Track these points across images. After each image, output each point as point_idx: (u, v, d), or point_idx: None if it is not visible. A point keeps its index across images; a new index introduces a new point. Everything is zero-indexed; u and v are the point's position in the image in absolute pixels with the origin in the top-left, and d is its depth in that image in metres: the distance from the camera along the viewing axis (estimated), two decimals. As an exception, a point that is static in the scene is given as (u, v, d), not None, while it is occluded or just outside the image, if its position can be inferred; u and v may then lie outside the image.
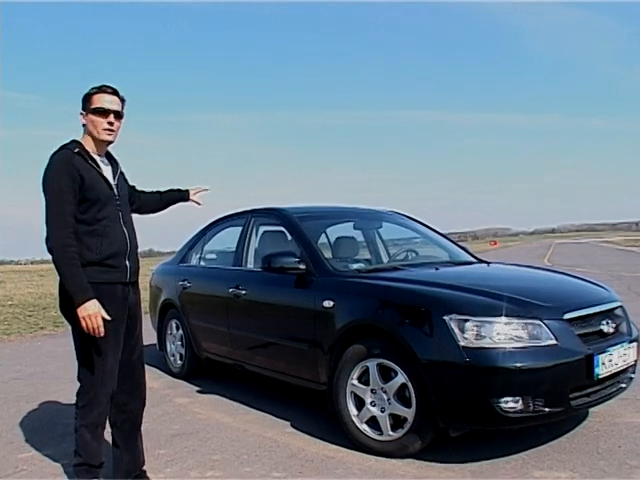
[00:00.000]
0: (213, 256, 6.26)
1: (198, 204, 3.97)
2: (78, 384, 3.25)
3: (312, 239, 4.80)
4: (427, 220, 6.07)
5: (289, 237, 5.06)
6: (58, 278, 3.14)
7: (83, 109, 3.21)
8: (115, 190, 3.26)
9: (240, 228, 5.61)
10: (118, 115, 3.23)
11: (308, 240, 4.74)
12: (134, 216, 3.55)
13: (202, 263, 6.25)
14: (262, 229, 5.55)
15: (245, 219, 5.62)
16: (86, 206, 3.11)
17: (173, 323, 6.35)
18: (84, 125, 3.23)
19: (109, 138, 3.24)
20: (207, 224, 6.36)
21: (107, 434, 3.32)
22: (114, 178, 3.30)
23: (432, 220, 6.06)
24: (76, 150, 3.13)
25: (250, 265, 5.34)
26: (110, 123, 3.18)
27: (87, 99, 3.20)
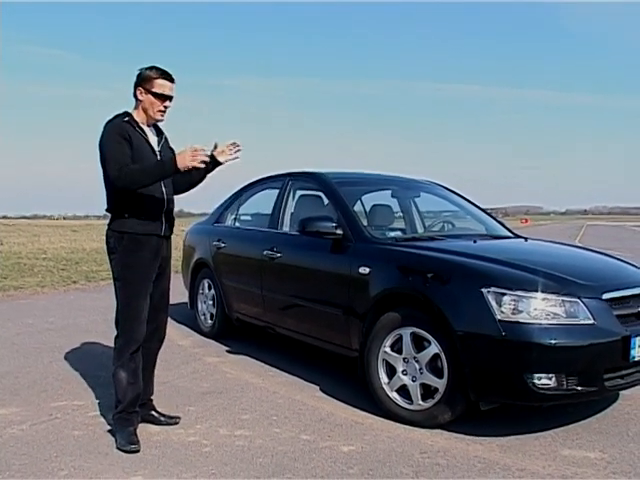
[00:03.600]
0: (248, 218, 6.27)
1: (236, 158, 3.75)
2: (108, 338, 3.47)
3: (350, 205, 4.79)
4: (458, 193, 6.02)
5: (326, 202, 5.04)
6: (105, 228, 3.68)
7: (141, 86, 3.56)
8: (158, 155, 3.62)
9: (277, 191, 5.59)
10: (171, 99, 3.63)
11: (346, 205, 4.72)
12: None
13: (237, 224, 6.26)
14: (299, 193, 5.52)
15: (282, 182, 5.60)
16: None
17: (205, 283, 6.38)
18: (138, 99, 3.59)
19: (162, 118, 3.65)
20: (244, 185, 6.35)
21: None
22: (158, 145, 3.68)
23: (464, 193, 6.00)
24: (126, 119, 3.53)
25: (286, 228, 5.33)
26: (165, 107, 3.60)
27: (148, 80, 3.54)
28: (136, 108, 3.62)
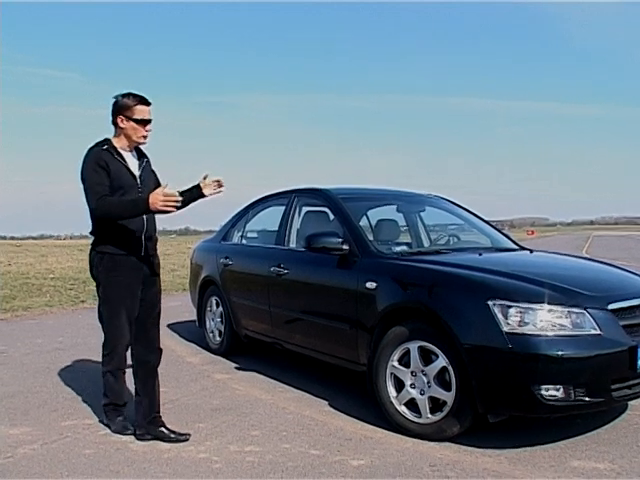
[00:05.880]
0: (255, 235, 6.29)
1: (219, 192, 3.99)
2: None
3: (355, 220, 4.82)
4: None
5: (332, 217, 5.07)
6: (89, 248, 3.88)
7: (121, 114, 3.73)
8: (138, 180, 3.81)
9: (283, 207, 5.62)
10: (151, 122, 3.81)
11: (351, 221, 4.75)
12: None
13: (244, 241, 6.28)
14: (305, 209, 5.55)
15: (288, 199, 5.64)
16: (110, 192, 3.67)
17: (213, 300, 6.41)
18: (119, 126, 3.75)
19: (145, 142, 3.85)
20: (250, 203, 6.38)
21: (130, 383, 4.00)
22: (139, 169, 3.85)
23: (469, 207, 6.03)
24: (105, 147, 3.72)
25: (292, 244, 5.36)
26: (147, 131, 3.79)
27: (127, 107, 3.72)
28: (116, 135, 3.80)
